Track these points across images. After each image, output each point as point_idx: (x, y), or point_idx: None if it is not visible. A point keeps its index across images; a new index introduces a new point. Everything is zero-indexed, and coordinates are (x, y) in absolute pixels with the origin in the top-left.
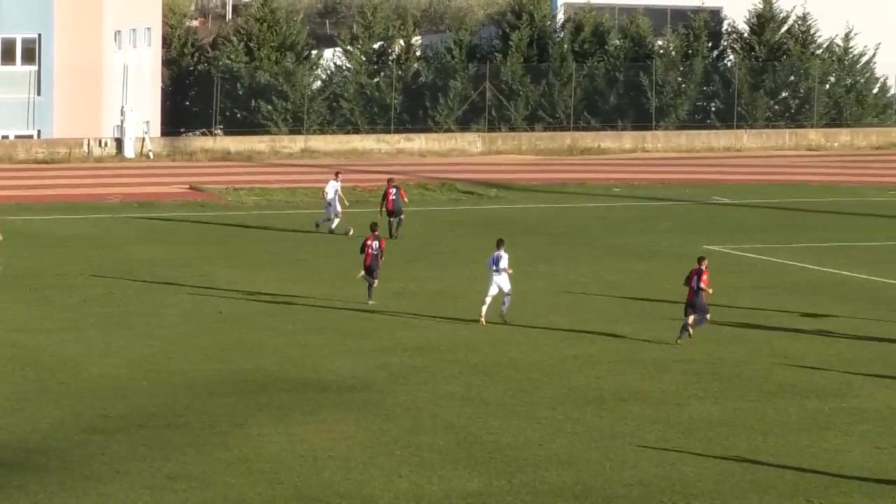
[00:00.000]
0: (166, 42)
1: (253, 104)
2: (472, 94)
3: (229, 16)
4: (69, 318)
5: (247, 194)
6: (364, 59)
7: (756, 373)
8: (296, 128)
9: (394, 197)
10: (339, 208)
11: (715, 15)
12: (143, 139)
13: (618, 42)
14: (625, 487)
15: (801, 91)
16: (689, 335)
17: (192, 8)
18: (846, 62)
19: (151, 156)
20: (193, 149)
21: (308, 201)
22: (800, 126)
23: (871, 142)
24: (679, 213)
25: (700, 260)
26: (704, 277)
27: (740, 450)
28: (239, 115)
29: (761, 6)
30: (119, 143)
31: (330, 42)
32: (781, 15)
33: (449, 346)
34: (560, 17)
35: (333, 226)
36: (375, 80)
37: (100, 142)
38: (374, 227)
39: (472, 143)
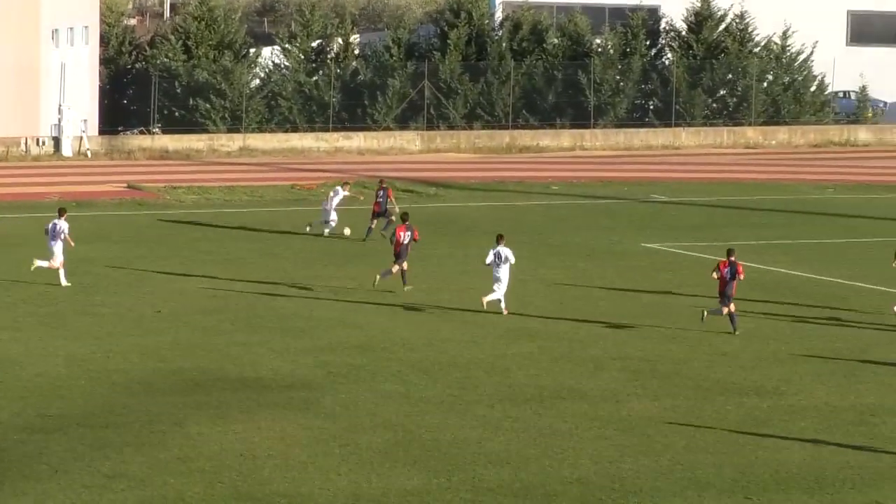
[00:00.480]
0: (104, 40)
1: (191, 103)
2: (410, 93)
3: (167, 14)
4: (6, 317)
5: (185, 193)
6: (302, 57)
7: (695, 370)
8: (234, 126)
9: (380, 199)
10: (334, 216)
11: (653, 13)
12: (81, 138)
13: (556, 40)
14: (564, 485)
15: (739, 89)
16: (732, 329)
17: (130, 6)
18: (784, 60)
19: (89, 154)
20: (131, 147)
21: (246, 200)
22: (738, 124)
23: (809, 140)
24: (617, 210)
25: (730, 252)
26: (741, 269)
27: (679, 447)
28: (177, 113)
29: (699, 5)
30: (57, 141)
31: (268, 40)
32: (719, 13)
33: (388, 345)
34: (498, 15)
35: (327, 231)
36: (314, 78)
37: (37, 140)
38: (405, 216)
39: (410, 141)
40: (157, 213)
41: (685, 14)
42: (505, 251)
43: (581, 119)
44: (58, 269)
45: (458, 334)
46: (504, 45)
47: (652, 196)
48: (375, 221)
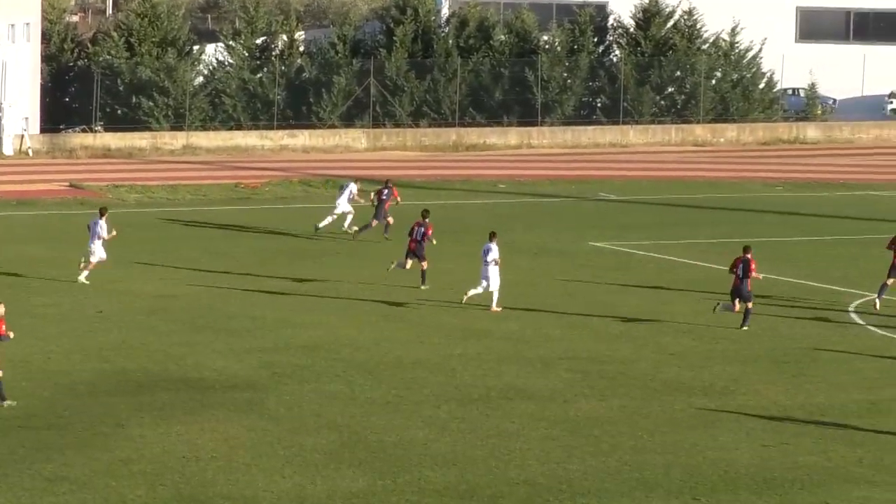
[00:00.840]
0: (46, 37)
1: (134, 100)
2: (356, 90)
3: (109, 11)
4: None
5: (128, 192)
6: (246, 54)
7: (643, 370)
8: (177, 124)
9: (385, 197)
10: (344, 209)
11: (601, 10)
12: (22, 136)
13: (503, 37)
14: (510, 486)
15: (688, 86)
16: (746, 324)
17: (72, 3)
18: (732, 57)
19: (31, 153)
20: (73, 146)
21: (190, 199)
22: (686, 121)
23: (758, 137)
24: (565, 209)
25: (746, 249)
26: (753, 266)
27: (627, 448)
28: (120, 111)
29: (647, 1)
30: None
31: (212, 37)
32: (667, 10)
33: (333, 345)
34: (445, 11)
35: (323, 224)
36: (258, 75)
37: None
38: (425, 213)
39: (356, 139)
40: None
41: (633, 11)
42: (492, 248)
43: (528, 117)
44: (94, 265)
45: (405, 334)
46: (451, 42)
47: (600, 194)
48: (375, 222)
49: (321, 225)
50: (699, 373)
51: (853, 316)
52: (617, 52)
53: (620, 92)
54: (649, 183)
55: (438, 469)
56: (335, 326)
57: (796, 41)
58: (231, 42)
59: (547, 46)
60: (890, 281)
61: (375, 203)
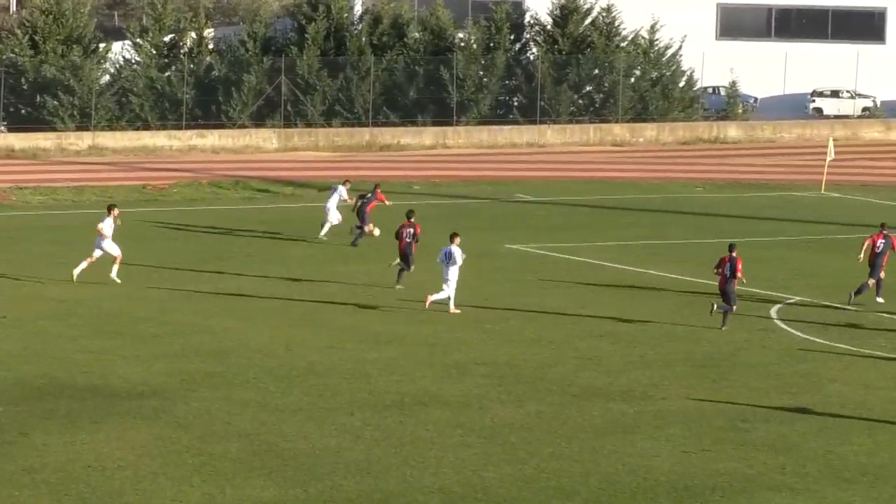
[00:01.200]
0: None
1: (38, 99)
2: (267, 89)
3: (13, 8)
4: None
5: (32, 194)
6: (154, 52)
7: (560, 375)
8: (83, 124)
9: (368, 199)
10: (337, 216)
11: (517, 7)
12: None
13: (417, 35)
14: (426, 495)
15: (606, 85)
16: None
17: None
18: (652, 55)
19: None
20: None
21: (96, 200)
22: (604, 121)
23: (678, 137)
24: (481, 211)
25: (731, 247)
26: (740, 266)
27: (544, 455)
28: (23, 110)
29: None
30: None
31: (119, 35)
32: (585, 7)
33: (244, 351)
34: (358, 8)
35: (323, 232)
36: (166, 74)
37: None
38: (409, 214)
39: (267, 139)
40: (2, 215)
41: (550, 8)
42: (455, 251)
43: (443, 116)
44: (118, 260)
45: (317, 339)
46: (364, 39)
47: (517, 196)
48: (368, 227)
49: (322, 235)
50: (618, 378)
51: (776, 320)
52: (534, 49)
53: (538, 91)
54: (567, 184)
55: (352, 477)
56: (247, 331)
57: (717, 38)
58: (138, 39)
59: (462, 44)
60: (871, 281)
61: (358, 206)
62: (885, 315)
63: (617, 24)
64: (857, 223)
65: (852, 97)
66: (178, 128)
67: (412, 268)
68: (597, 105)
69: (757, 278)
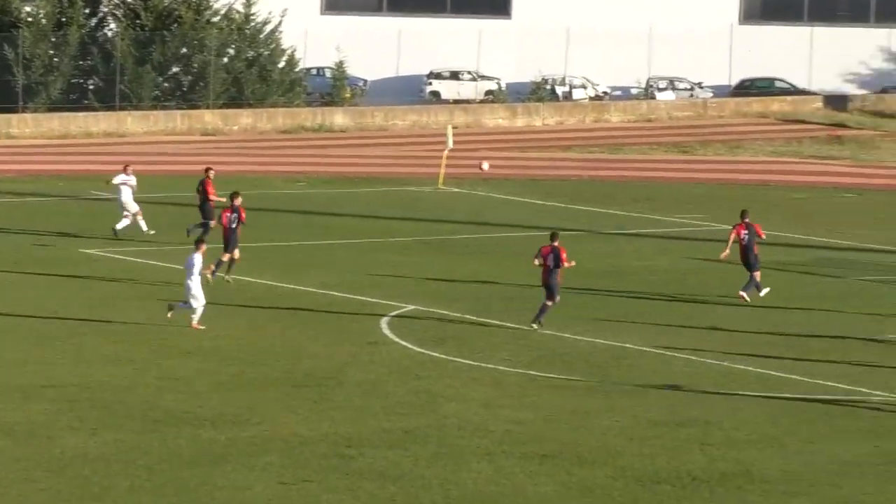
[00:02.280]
0: None
1: None
2: None
3: None
4: None
5: None
6: None
7: (142, 398)
8: None
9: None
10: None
11: None
12: None
13: None
14: None
15: (196, 66)
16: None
17: None
18: (248, 32)
19: None
20: None
21: None
22: (194, 107)
23: (278, 124)
24: (56, 210)
25: (553, 236)
26: (564, 255)
27: (121, 489)
28: None
29: None
30: None
31: None
32: None
33: None
34: None
35: (120, 226)
36: None
37: None
38: (234, 195)
39: None
40: None
41: None
42: (196, 260)
43: (8, 101)
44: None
45: None
46: None
47: (92, 192)
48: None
49: (119, 226)
50: (207, 400)
51: (386, 331)
52: (113, 25)
53: (117, 72)
54: (149, 179)
55: None
56: None
57: (322, 13)
58: None
59: (30, 19)
60: (757, 274)
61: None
62: (507, 326)
63: None
64: (478, 221)
65: (474, 79)
66: None
67: (236, 252)
68: (185, 88)
69: (366, 285)
